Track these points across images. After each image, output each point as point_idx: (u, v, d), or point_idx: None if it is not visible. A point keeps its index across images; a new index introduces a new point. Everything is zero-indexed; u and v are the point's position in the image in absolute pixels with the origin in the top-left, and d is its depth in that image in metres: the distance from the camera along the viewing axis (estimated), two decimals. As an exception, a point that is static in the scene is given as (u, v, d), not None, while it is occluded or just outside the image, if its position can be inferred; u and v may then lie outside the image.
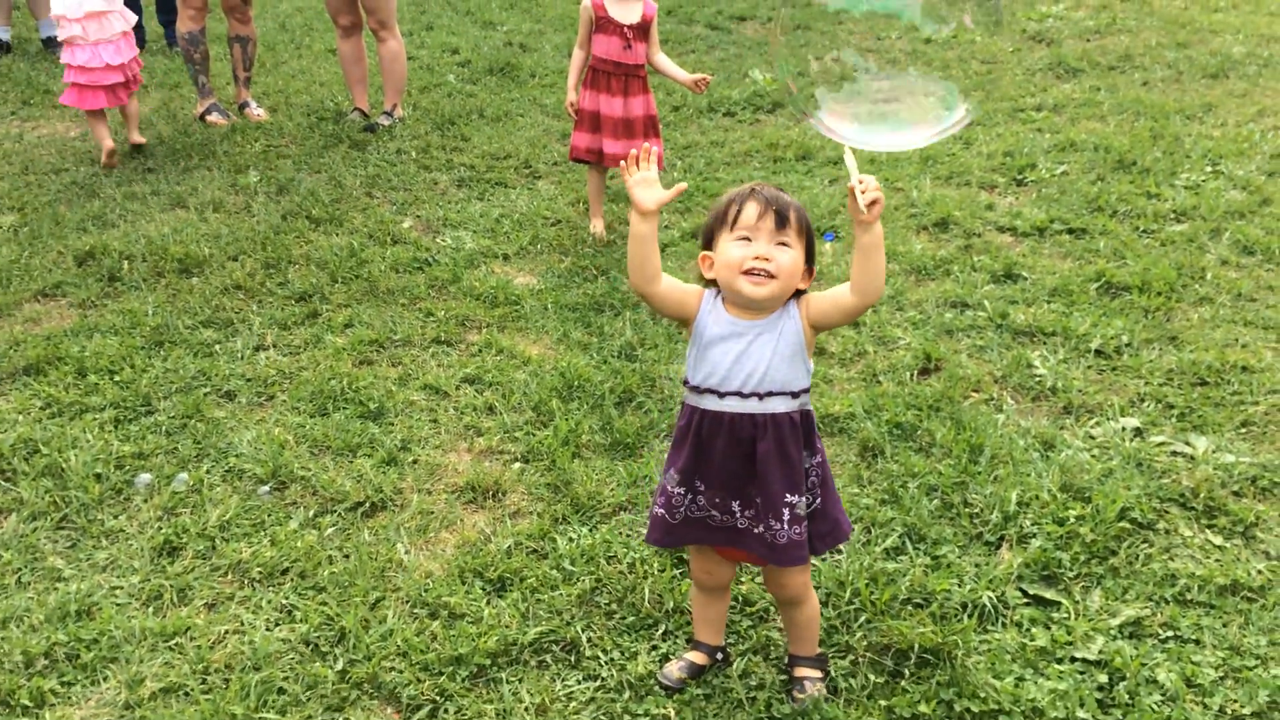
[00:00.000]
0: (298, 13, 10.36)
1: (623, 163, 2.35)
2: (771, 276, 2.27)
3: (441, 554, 3.08)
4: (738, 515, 2.38)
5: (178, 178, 6.07)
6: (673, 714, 2.50)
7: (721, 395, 2.33)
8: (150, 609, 2.88)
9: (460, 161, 6.39)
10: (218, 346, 4.25)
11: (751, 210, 2.28)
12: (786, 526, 2.35)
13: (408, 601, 2.87)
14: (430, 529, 3.18)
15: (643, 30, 5.11)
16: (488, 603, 2.86)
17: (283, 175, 6.06)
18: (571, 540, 3.10)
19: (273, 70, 8.35)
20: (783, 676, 2.62)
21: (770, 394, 2.32)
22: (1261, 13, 9.27)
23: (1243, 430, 3.55)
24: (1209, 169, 5.84)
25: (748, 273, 2.27)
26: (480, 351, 4.22)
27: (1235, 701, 2.49)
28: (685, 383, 2.40)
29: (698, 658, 2.63)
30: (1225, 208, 5.29)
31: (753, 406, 2.32)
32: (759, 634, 2.76)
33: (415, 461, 3.51)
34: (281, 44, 9.21)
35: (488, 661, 2.65)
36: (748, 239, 2.28)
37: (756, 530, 2.38)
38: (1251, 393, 3.73)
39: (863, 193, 2.22)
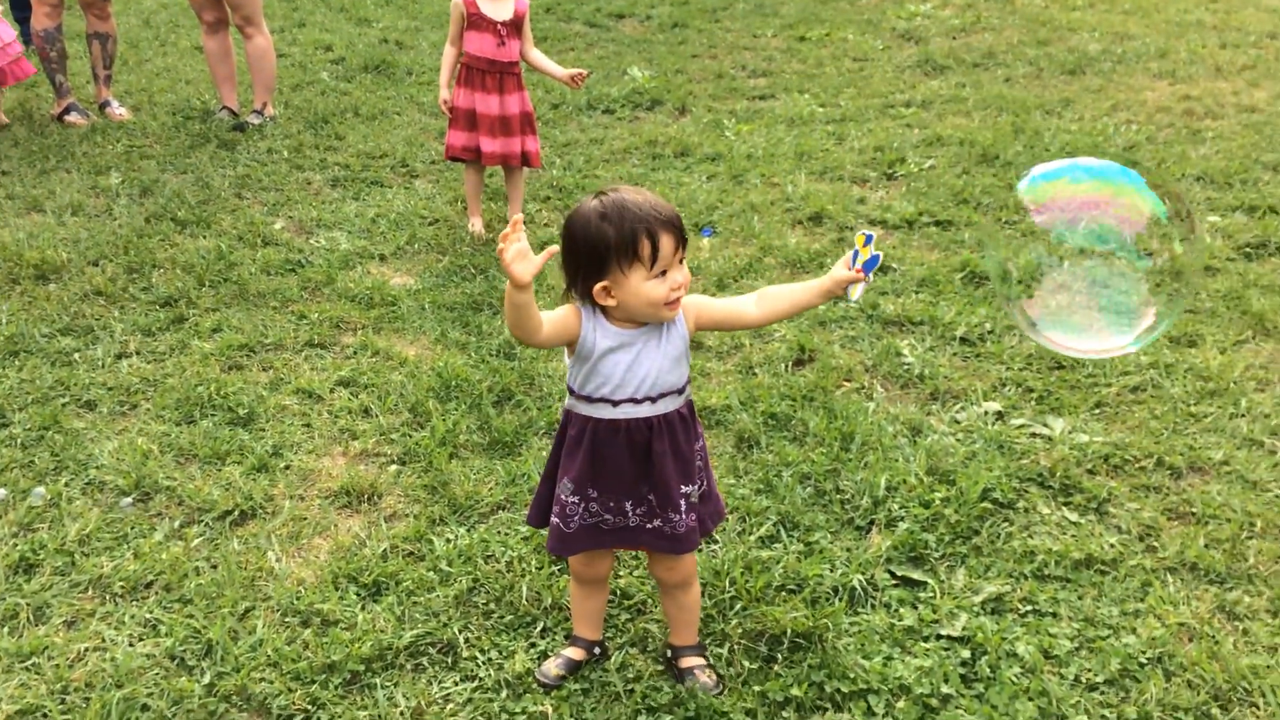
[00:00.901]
0: (162, 8, 10.03)
1: (499, 246, 2.11)
2: (680, 298, 2.31)
3: (314, 560, 3.02)
4: (630, 515, 2.40)
5: (34, 180, 5.83)
6: (550, 711, 2.51)
7: (615, 403, 2.33)
8: (5, 629, 2.76)
9: (334, 161, 6.28)
10: (77, 355, 4.09)
11: (668, 245, 2.21)
12: (684, 516, 2.40)
13: (278, 610, 2.81)
14: (303, 535, 3.12)
15: (515, 26, 5.09)
16: (362, 608, 2.82)
17: (146, 176, 5.87)
18: (449, 541, 3.07)
19: (135, 68, 8.07)
20: (659, 668, 2.65)
21: (661, 395, 2.35)
22: (1116, 11, 9.69)
23: (1096, 411, 3.71)
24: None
25: (670, 304, 2.28)
26: (355, 354, 4.15)
27: (1090, 670, 2.60)
28: (572, 391, 2.39)
29: (575, 653, 2.64)
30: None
31: (646, 411, 2.34)
32: (637, 627, 2.78)
33: (287, 467, 3.44)
34: (145, 41, 8.90)
35: (362, 667, 2.62)
36: (665, 272, 2.24)
37: (650, 525, 2.40)
38: (1105, 375, 3.90)
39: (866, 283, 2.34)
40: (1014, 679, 2.57)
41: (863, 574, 2.92)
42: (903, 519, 3.14)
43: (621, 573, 2.95)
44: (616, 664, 2.65)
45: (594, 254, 2.22)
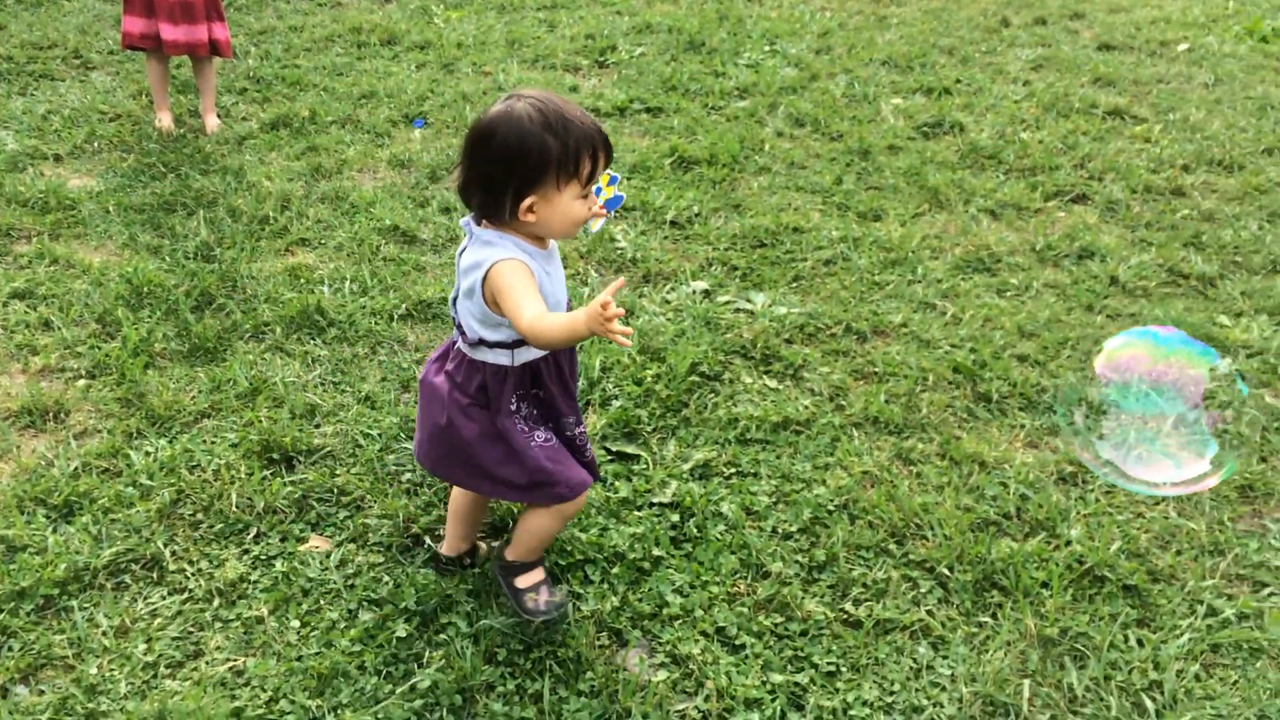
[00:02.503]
0: None
1: (608, 321, 1.87)
2: None
3: (-6, 486, 2.79)
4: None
5: None
6: (267, 613, 2.46)
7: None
8: None
9: (-7, 51, 5.63)
10: None
11: (601, 162, 2.10)
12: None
13: (-45, 542, 2.59)
14: (-21, 461, 2.88)
15: (191, -99, 4.68)
16: (53, 530, 2.64)
17: None
18: (148, 454, 2.92)
19: None
20: (379, 560, 2.64)
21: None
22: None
23: (794, 284, 3.94)
24: (767, 48, 6.32)
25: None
26: (31, 263, 3.80)
27: (785, 521, 2.81)
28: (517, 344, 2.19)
29: (549, 601, 2.43)
30: (780, 84, 5.76)
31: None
32: (356, 522, 2.75)
33: (-44, 390, 3.14)
34: None
35: (56, 591, 2.47)
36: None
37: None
38: (801, 250, 4.14)
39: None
40: (719, 536, 2.74)
41: (579, 452, 3.01)
42: (617, 398, 3.25)
43: (339, 471, 2.90)
44: (335, 561, 2.62)
45: (533, 166, 2.04)
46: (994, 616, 2.53)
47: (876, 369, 3.44)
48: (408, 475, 2.90)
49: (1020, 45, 6.52)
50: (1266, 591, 2.62)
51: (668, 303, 3.81)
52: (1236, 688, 2.36)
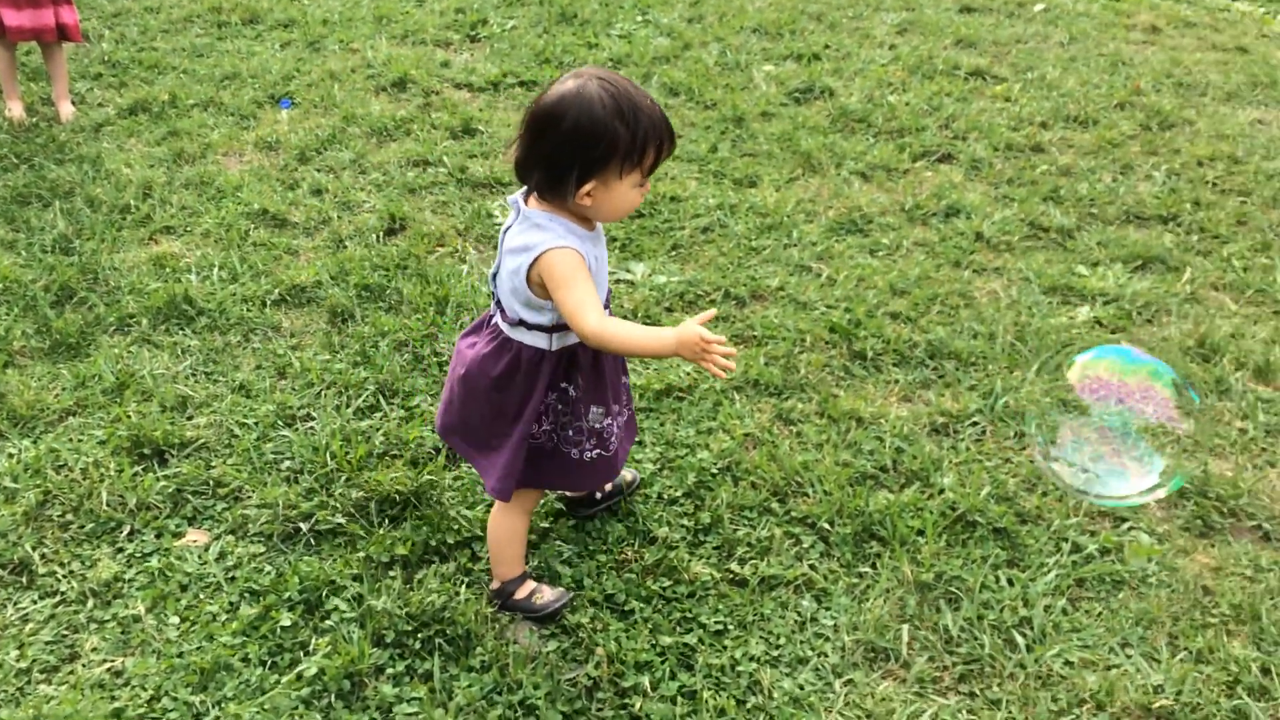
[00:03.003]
0: None
1: (711, 349, 1.94)
2: None
3: None
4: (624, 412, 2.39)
5: None
6: (144, 611, 2.40)
7: (606, 305, 2.20)
8: None
9: None
10: None
11: (665, 152, 2.05)
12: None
13: None
14: None
15: (28, -123, 4.47)
16: (-90, 541, 2.53)
17: None
18: (11, 456, 2.81)
19: None
20: (259, 550, 2.59)
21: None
22: None
23: (673, 253, 3.97)
24: (640, 18, 6.32)
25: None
26: (-128, 264, 3.61)
27: (670, 487, 2.85)
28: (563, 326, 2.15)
29: (555, 592, 2.47)
30: (654, 54, 5.77)
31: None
32: (234, 514, 2.70)
33: None
34: None
35: (-84, 604, 2.37)
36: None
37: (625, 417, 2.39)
38: (679, 219, 4.18)
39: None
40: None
41: (462, 430, 2.99)
42: (499, 373, 3.23)
43: (214, 462, 2.84)
44: (214, 554, 2.57)
45: (601, 153, 1.98)
46: (873, 566, 2.61)
47: (756, 333, 3.49)
48: (287, 463, 2.85)
49: (885, 10, 6.65)
50: (1126, 526, 2.76)
51: (548, 276, 3.79)
52: (1101, 619, 2.49)
